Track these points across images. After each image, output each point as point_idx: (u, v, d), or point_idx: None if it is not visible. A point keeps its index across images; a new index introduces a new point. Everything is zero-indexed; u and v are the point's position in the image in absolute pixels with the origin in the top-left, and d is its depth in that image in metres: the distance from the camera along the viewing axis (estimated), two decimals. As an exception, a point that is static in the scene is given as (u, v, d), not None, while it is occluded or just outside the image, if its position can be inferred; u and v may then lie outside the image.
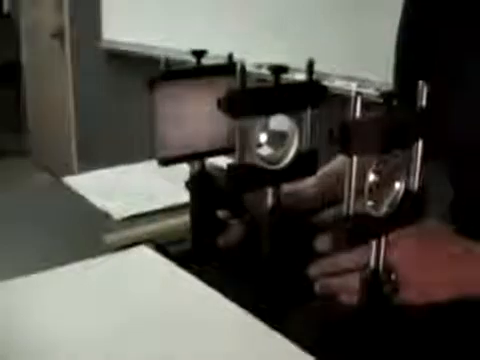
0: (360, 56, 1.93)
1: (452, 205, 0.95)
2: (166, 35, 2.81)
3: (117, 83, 3.49)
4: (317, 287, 0.71)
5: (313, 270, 0.72)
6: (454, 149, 0.86)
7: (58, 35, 4.08)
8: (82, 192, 1.12)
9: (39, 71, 4.56)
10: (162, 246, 0.89)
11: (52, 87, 4.37)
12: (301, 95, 0.71)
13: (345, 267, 0.69)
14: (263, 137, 0.68)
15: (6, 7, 4.87)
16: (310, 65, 0.71)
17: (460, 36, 0.86)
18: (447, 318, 0.69)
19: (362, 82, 1.92)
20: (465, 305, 0.68)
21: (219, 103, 0.65)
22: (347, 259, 0.69)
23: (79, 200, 1.10)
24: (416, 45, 0.95)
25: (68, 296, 0.78)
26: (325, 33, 2.04)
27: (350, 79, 1.97)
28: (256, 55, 1.96)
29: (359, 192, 0.55)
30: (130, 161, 1.24)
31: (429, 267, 0.68)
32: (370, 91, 1.78)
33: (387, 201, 0.58)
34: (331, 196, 0.84)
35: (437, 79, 0.69)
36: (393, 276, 0.64)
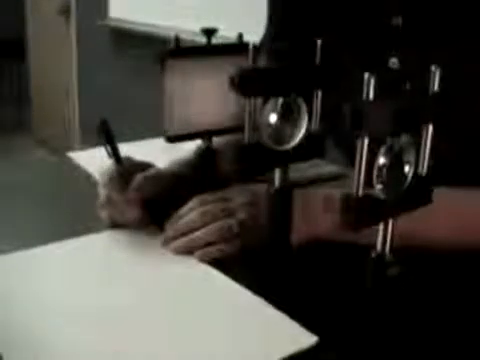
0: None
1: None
2: (172, 14, 2.80)
3: (122, 61, 3.48)
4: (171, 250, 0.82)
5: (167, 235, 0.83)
6: None
7: (64, 12, 4.06)
8: (85, 168, 1.12)
9: (44, 48, 4.54)
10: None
11: (56, 64, 4.36)
12: (312, 76, 0.71)
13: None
14: (273, 117, 0.68)
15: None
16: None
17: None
18: (450, 303, 0.70)
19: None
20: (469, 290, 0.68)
21: (231, 81, 0.65)
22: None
23: (81, 175, 1.10)
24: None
25: (67, 271, 0.78)
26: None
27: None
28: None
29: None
30: (134, 139, 1.24)
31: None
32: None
33: (396, 185, 0.58)
34: None
35: None
36: None
